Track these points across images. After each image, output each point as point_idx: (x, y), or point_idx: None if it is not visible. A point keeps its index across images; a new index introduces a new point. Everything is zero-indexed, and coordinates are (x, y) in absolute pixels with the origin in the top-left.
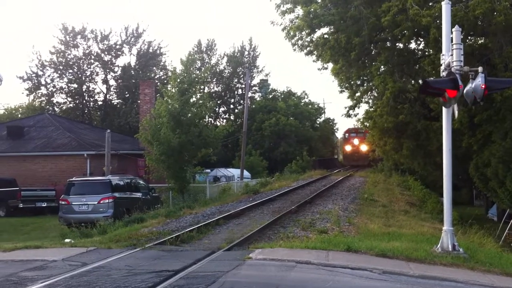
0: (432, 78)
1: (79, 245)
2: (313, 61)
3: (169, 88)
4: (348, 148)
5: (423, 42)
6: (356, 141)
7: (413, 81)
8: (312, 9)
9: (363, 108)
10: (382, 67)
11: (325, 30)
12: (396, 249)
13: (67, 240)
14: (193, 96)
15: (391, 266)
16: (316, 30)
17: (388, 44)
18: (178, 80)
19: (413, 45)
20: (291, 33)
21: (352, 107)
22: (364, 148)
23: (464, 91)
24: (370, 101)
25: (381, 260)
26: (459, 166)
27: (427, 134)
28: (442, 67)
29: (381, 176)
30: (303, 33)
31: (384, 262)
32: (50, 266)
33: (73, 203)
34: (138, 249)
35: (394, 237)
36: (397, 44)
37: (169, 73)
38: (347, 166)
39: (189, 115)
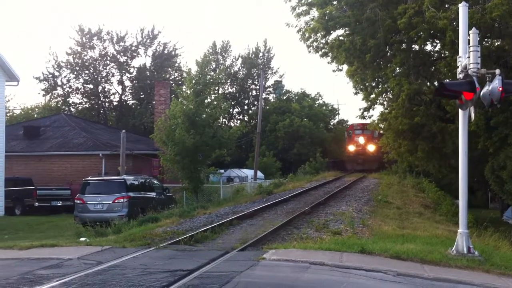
0: (448, 80)
1: (94, 244)
2: (328, 62)
3: (184, 89)
4: (351, 148)
5: (439, 44)
6: (361, 140)
7: (428, 83)
8: (327, 11)
9: (377, 110)
10: (397, 69)
11: (340, 32)
12: (411, 251)
13: (82, 239)
14: (208, 97)
15: (405, 268)
16: (332, 32)
17: (404, 46)
18: (193, 81)
19: (429, 47)
20: (306, 35)
21: (366, 109)
22: (371, 148)
23: (481, 93)
24: (385, 103)
25: (395, 262)
26: (475, 169)
27: (442, 137)
28: (459, 69)
29: (395, 178)
30: (318, 35)
31: (399, 264)
32: (65, 265)
33: (88, 202)
34: (152, 248)
35: (408, 239)
36: (413, 46)
37: (184, 74)
38: (350, 170)
39: (204, 116)
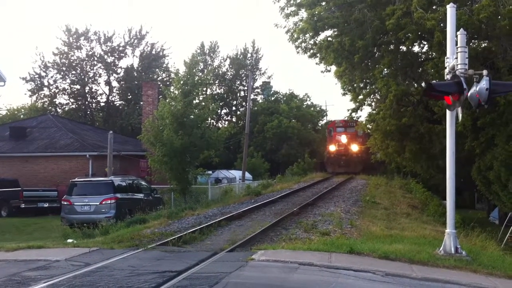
0: (436, 81)
1: (82, 246)
2: (316, 63)
3: (172, 90)
4: (332, 148)
5: (426, 45)
6: (344, 139)
7: (416, 84)
8: (316, 12)
9: (366, 110)
10: (385, 70)
11: (329, 32)
12: (399, 251)
13: (69, 241)
14: (196, 98)
15: (394, 268)
16: (320, 32)
17: (392, 47)
18: (181, 82)
19: (416, 48)
20: (295, 36)
21: (355, 110)
22: (355, 148)
23: (469, 94)
24: (373, 103)
25: (384, 262)
26: (462, 169)
27: (429, 137)
28: (447, 70)
29: (383, 179)
30: (307, 35)
31: (387, 264)
32: (53, 266)
33: (75, 204)
34: (140, 249)
35: (396, 239)
36: (400, 47)
37: (172, 75)
38: (331, 174)
39: (192, 117)
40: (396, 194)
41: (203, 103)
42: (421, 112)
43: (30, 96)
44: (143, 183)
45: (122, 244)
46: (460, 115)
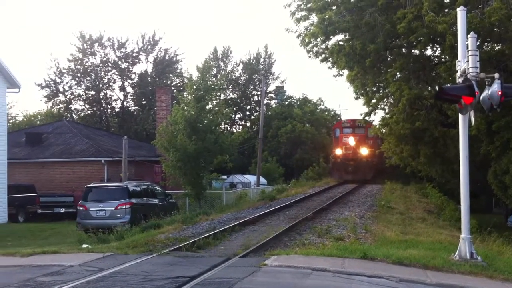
0: (448, 85)
1: (96, 251)
2: (329, 67)
3: (185, 95)
4: (338, 151)
5: (439, 49)
6: (352, 141)
7: (429, 87)
8: (326, 16)
9: (379, 115)
10: (397, 73)
11: (340, 37)
12: (413, 257)
13: (84, 246)
14: (209, 103)
15: (408, 274)
16: (331, 37)
17: (404, 50)
18: (194, 87)
19: (429, 52)
20: (306, 40)
21: (368, 114)
22: (364, 151)
23: (481, 97)
24: (386, 107)
25: (398, 268)
26: (478, 173)
27: (444, 141)
28: (458, 74)
29: (398, 183)
30: (318, 40)
31: (401, 270)
32: (67, 271)
33: (91, 209)
34: (154, 255)
35: (411, 244)
36: (413, 50)
37: (186, 80)
38: (339, 182)
39: (205, 121)
40: (412, 199)
41: (217, 108)
42: (435, 116)
43: (46, 102)
44: (157, 188)
45: (136, 250)
46: (473, 119)
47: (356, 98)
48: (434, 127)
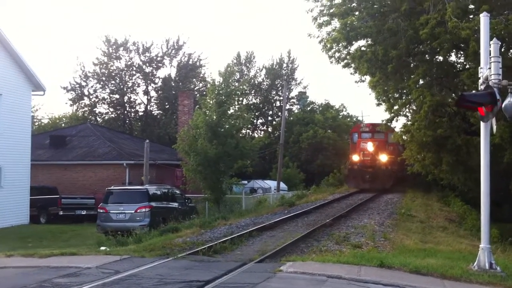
0: (468, 92)
1: (114, 253)
2: (351, 73)
3: (207, 100)
4: (355, 158)
5: (463, 55)
6: (370, 146)
7: (453, 94)
8: (349, 22)
9: (401, 121)
10: (420, 80)
11: (362, 42)
12: (431, 266)
13: (102, 248)
14: (231, 107)
15: (424, 283)
16: (353, 42)
17: (427, 57)
18: (216, 92)
19: (453, 58)
20: (328, 46)
21: (389, 120)
22: (384, 158)
23: (503, 105)
24: (409, 114)
25: (414, 277)
26: (501, 182)
27: (467, 149)
28: (480, 81)
29: (420, 191)
30: (340, 45)
31: (418, 279)
32: (83, 273)
33: (111, 212)
34: (170, 258)
35: (430, 253)
36: (436, 57)
37: (208, 85)
38: (353, 190)
39: (226, 126)
40: (433, 207)
41: (238, 113)
42: (458, 123)
43: (71, 105)
44: (177, 192)
45: (153, 253)
46: (494, 127)
47: (378, 105)
48: (457, 134)
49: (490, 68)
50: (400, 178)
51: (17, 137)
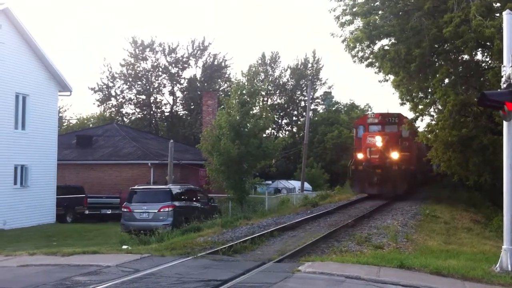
0: (490, 91)
1: (134, 252)
2: (375, 73)
3: (230, 100)
4: (360, 155)
5: (488, 54)
6: (378, 141)
7: (479, 93)
8: (371, 21)
9: (426, 121)
10: (445, 79)
11: (385, 41)
12: (452, 267)
13: (124, 247)
14: (253, 107)
15: (445, 284)
16: (376, 41)
17: (451, 55)
18: (239, 92)
19: (479, 57)
20: (351, 45)
21: (413, 120)
22: (395, 155)
23: None
24: (434, 114)
25: (435, 278)
26: None
27: (494, 149)
28: (503, 79)
29: (446, 191)
30: (363, 44)
31: (438, 280)
32: (103, 272)
33: (135, 211)
34: (190, 257)
35: (452, 255)
36: (460, 55)
37: (232, 85)
38: (358, 194)
39: (249, 126)
40: (458, 208)
41: (264, 115)
42: (484, 123)
43: (98, 106)
44: (200, 191)
45: (174, 252)
46: None
47: (402, 104)
48: (483, 134)
49: None
50: (421, 180)
51: (44, 137)
